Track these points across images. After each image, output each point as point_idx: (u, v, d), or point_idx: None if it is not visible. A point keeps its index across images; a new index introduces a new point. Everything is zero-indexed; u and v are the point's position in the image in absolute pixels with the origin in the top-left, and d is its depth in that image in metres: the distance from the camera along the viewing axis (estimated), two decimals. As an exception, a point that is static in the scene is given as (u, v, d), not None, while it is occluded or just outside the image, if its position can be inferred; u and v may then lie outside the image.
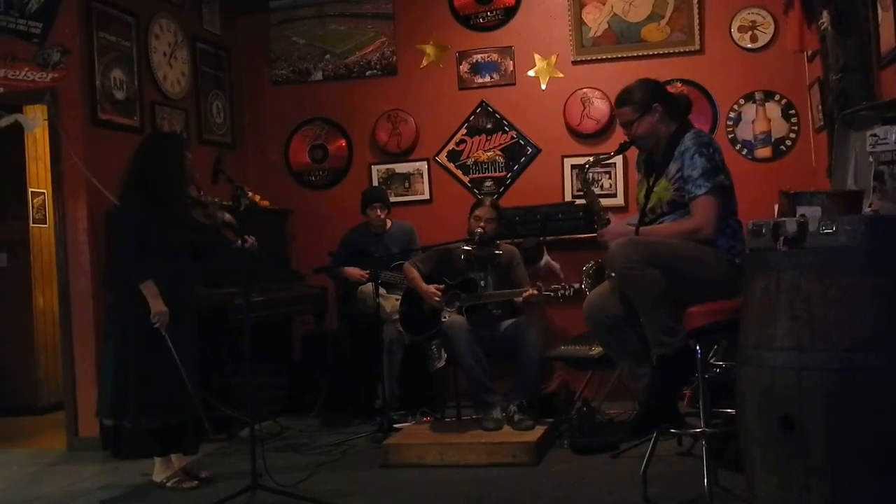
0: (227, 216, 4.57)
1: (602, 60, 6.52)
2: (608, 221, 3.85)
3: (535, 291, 5.13)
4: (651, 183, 3.83)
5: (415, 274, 5.44)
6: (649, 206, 3.82)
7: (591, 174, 4.07)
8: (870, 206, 3.27)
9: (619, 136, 6.25)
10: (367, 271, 5.83)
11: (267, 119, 7.22)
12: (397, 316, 5.60)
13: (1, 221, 7.19)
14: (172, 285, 4.41)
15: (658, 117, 3.79)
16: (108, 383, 4.45)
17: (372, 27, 6.99)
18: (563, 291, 5.01)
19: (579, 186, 4.04)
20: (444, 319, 5.26)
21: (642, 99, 3.80)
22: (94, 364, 5.46)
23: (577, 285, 5.02)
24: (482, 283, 5.35)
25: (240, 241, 4.48)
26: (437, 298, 5.29)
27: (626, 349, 3.75)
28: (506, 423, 4.96)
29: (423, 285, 5.37)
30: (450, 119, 6.82)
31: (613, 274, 3.57)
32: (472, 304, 5.26)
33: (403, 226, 6.24)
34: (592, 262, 4.54)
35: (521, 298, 5.22)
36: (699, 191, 3.61)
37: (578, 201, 6.26)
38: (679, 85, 6.24)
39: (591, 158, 4.18)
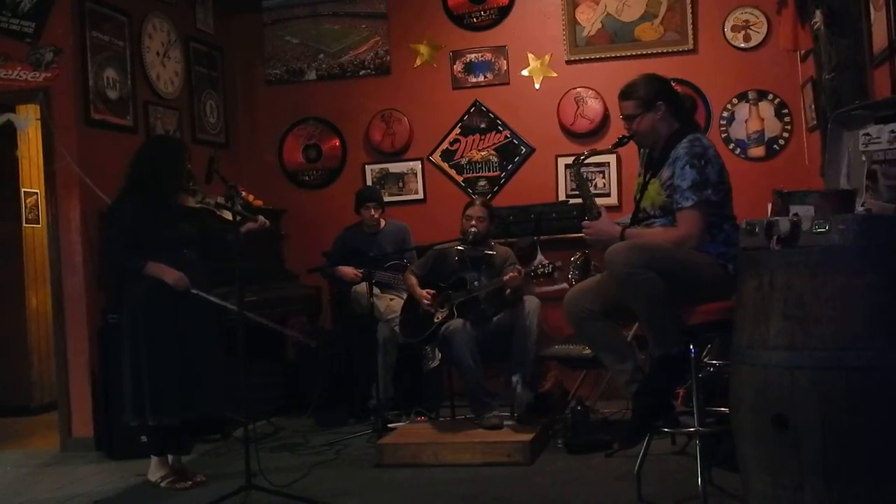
0: (221, 199, 4.56)
1: (596, 60, 6.54)
2: (599, 215, 3.83)
3: (516, 273, 5.13)
4: (646, 179, 3.83)
5: (412, 281, 5.47)
6: (643, 204, 3.83)
7: (584, 171, 4.07)
8: (863, 204, 3.27)
9: (613, 135, 6.30)
10: (362, 271, 5.83)
11: (261, 119, 7.22)
12: (391, 315, 5.60)
13: (-7, 221, 7.18)
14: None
15: (660, 115, 3.76)
16: (127, 384, 4.46)
17: (365, 27, 6.98)
18: (542, 269, 5.02)
19: (573, 178, 4.00)
20: (436, 320, 5.26)
21: (647, 95, 3.77)
22: (87, 364, 5.45)
23: (557, 263, 5.04)
24: (475, 282, 5.35)
25: (249, 223, 4.51)
26: (426, 301, 5.29)
27: (604, 343, 3.76)
28: (509, 395, 5.00)
29: (417, 290, 5.38)
30: (444, 119, 6.82)
31: (613, 278, 3.53)
32: (464, 300, 5.26)
33: (398, 225, 6.24)
34: (580, 254, 4.53)
35: (508, 289, 5.21)
36: (686, 203, 3.60)
37: (573, 200, 6.26)
38: (674, 84, 6.25)
39: (586, 151, 4.16)
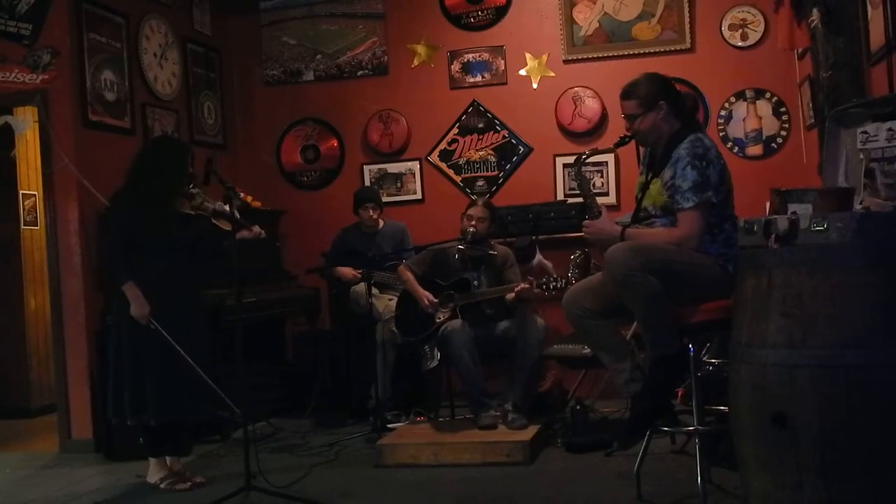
0: (219, 204, 4.55)
1: (593, 59, 6.53)
2: (599, 214, 3.83)
3: (527, 285, 5.13)
4: (648, 179, 3.82)
5: (409, 276, 5.44)
6: (644, 203, 3.82)
7: (583, 169, 4.06)
8: (861, 203, 3.27)
9: (611, 134, 6.31)
10: (360, 271, 5.83)
11: (258, 120, 7.21)
12: (390, 316, 5.60)
13: (-8, 224, 7.18)
14: (166, 284, 4.42)
15: (662, 115, 3.74)
16: (110, 382, 4.48)
17: (363, 27, 6.98)
18: (554, 283, 4.99)
19: (573, 176, 3.99)
20: (438, 320, 5.25)
21: (648, 94, 3.75)
22: (86, 366, 5.45)
23: (568, 280, 5.01)
24: (475, 282, 5.35)
25: (243, 231, 4.50)
26: (426, 302, 5.28)
27: (603, 343, 3.76)
28: (500, 421, 4.97)
29: (419, 289, 5.36)
30: (441, 119, 6.82)
31: (611, 280, 3.53)
32: (466, 303, 5.26)
33: (396, 225, 6.24)
34: (580, 252, 4.53)
35: (513, 294, 5.21)
36: (686, 204, 3.60)
37: (571, 200, 6.27)
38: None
39: (588, 151, 4.15)
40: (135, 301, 4.36)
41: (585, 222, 3.82)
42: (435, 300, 5.29)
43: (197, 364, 4.40)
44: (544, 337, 5.13)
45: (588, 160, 4.11)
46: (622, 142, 3.94)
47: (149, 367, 4.36)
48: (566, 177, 6.52)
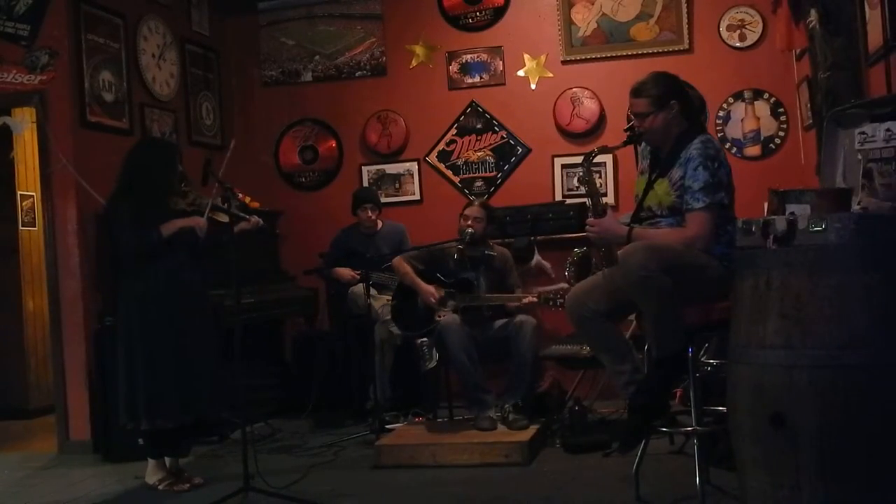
0: (213, 199, 4.53)
1: (591, 60, 6.53)
2: (604, 213, 3.80)
3: (535, 299, 5.10)
4: (652, 178, 3.81)
5: (408, 269, 5.41)
6: (647, 203, 3.80)
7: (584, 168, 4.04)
8: (859, 203, 3.28)
9: (609, 135, 6.31)
10: (359, 272, 5.83)
11: (257, 120, 7.21)
12: (389, 316, 5.59)
13: (-10, 224, 7.17)
14: (171, 283, 4.42)
15: (673, 114, 3.73)
16: (122, 386, 4.46)
17: (361, 28, 6.98)
18: (561, 300, 4.96)
19: (582, 174, 3.97)
20: (438, 318, 5.24)
21: (660, 94, 3.72)
22: (84, 366, 5.45)
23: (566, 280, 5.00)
24: (474, 282, 5.34)
25: (242, 223, 4.50)
26: (433, 299, 5.27)
27: (605, 344, 3.75)
28: (501, 422, 4.97)
29: (422, 283, 5.34)
30: (440, 119, 6.82)
31: (627, 280, 3.50)
32: (468, 304, 5.25)
33: (394, 226, 6.24)
34: (578, 251, 4.49)
35: (520, 305, 5.19)
36: (697, 204, 3.59)
37: (569, 201, 6.27)
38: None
39: (596, 149, 4.12)
40: (179, 225, 4.38)
41: (590, 220, 3.78)
42: (440, 295, 5.28)
43: (206, 363, 4.41)
44: (537, 339, 5.11)
45: (599, 155, 4.08)
46: (630, 140, 3.92)
47: (164, 369, 4.36)
48: (565, 177, 6.52)
